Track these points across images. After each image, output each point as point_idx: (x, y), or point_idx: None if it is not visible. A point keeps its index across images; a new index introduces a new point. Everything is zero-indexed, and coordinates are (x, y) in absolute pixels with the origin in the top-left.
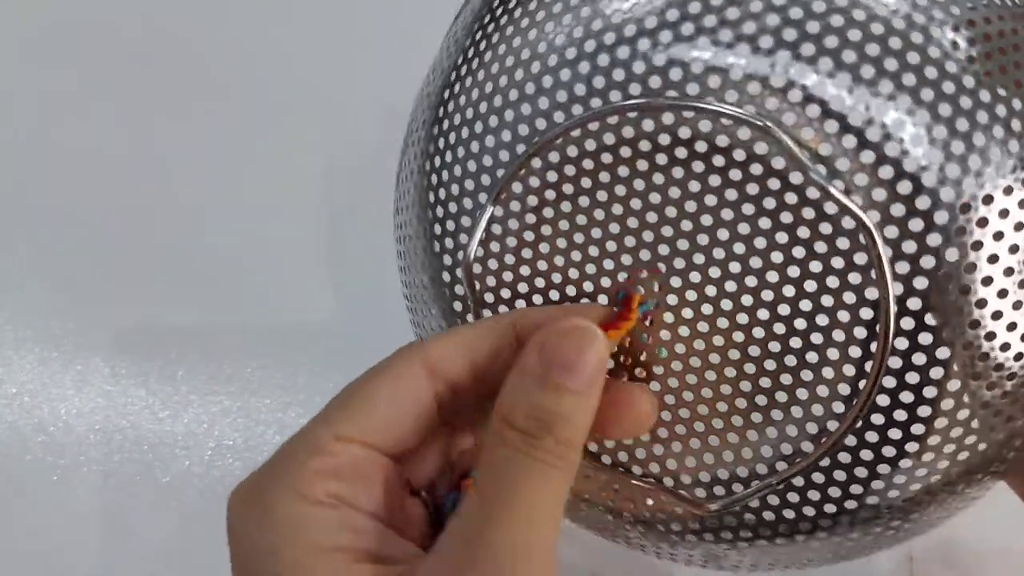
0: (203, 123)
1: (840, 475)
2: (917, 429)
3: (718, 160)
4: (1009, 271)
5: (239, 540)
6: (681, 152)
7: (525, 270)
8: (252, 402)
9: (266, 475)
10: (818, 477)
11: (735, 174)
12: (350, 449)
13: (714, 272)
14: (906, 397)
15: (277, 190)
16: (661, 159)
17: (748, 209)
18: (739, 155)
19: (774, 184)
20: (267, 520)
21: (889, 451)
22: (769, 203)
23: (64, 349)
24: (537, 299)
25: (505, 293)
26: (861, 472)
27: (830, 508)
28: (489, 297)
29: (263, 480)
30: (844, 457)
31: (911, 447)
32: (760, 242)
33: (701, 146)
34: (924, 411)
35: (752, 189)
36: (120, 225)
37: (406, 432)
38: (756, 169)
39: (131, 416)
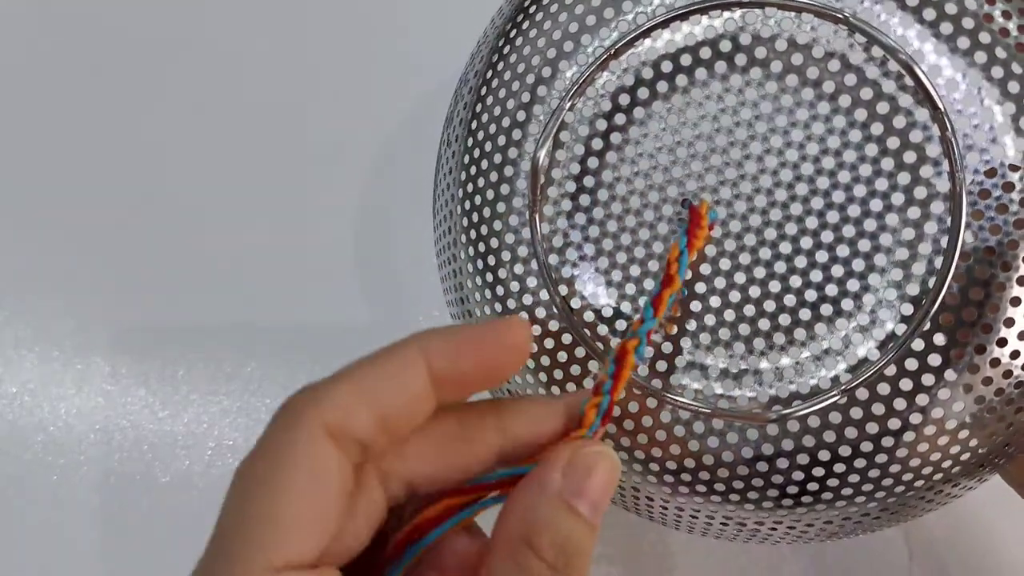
0: (203, 123)
1: (907, 384)
2: (985, 333)
3: (796, 58)
4: None
5: None
6: (760, 51)
7: (589, 180)
8: (252, 402)
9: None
10: (883, 388)
11: (812, 72)
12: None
13: (785, 175)
14: (975, 294)
15: (277, 190)
16: (740, 59)
17: (824, 108)
18: (818, 52)
19: (851, 80)
20: None
21: (958, 354)
22: (845, 101)
23: (64, 349)
24: (598, 212)
25: (566, 204)
26: (928, 379)
27: (894, 423)
28: (548, 210)
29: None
30: (911, 364)
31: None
32: (834, 141)
33: (781, 44)
34: (993, 313)
35: (829, 87)
36: (120, 225)
37: (335, 528)
38: (834, 66)
39: (131, 416)
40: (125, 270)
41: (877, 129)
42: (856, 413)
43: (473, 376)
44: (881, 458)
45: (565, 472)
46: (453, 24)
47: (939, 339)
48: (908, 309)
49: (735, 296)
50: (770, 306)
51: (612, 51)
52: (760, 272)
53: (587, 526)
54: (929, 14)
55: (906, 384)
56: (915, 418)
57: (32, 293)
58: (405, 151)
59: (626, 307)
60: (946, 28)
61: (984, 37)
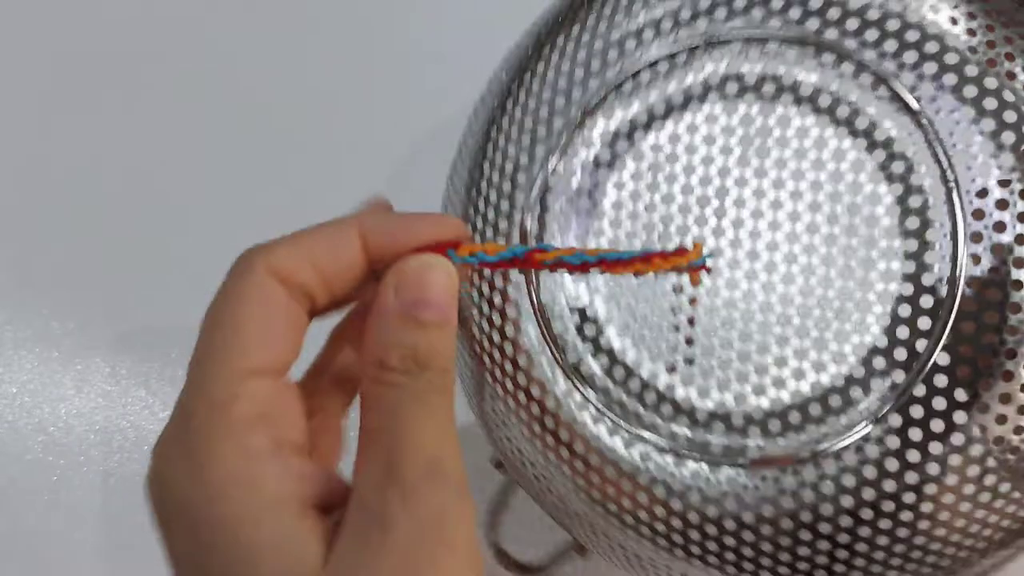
0: (204, 122)
1: (940, 403)
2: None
3: (787, 98)
4: None
5: (173, 499)
6: (769, 88)
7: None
8: None
9: (195, 429)
10: (916, 411)
11: (805, 111)
12: (260, 386)
13: (788, 206)
14: (994, 295)
15: (277, 190)
16: (736, 93)
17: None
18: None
19: (843, 112)
20: (207, 476)
21: (987, 363)
22: (841, 143)
23: (64, 349)
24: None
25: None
26: (961, 395)
27: (936, 448)
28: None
29: (193, 435)
30: (940, 380)
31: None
32: (832, 166)
33: (769, 86)
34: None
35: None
36: (121, 225)
37: (291, 344)
38: (825, 101)
39: (131, 416)
40: (125, 270)
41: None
42: (892, 442)
43: (403, 253)
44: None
45: (397, 291)
46: (460, 52)
47: (965, 350)
48: (926, 323)
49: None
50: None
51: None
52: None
53: (436, 330)
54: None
55: (939, 403)
56: (958, 439)
57: (32, 293)
58: (405, 154)
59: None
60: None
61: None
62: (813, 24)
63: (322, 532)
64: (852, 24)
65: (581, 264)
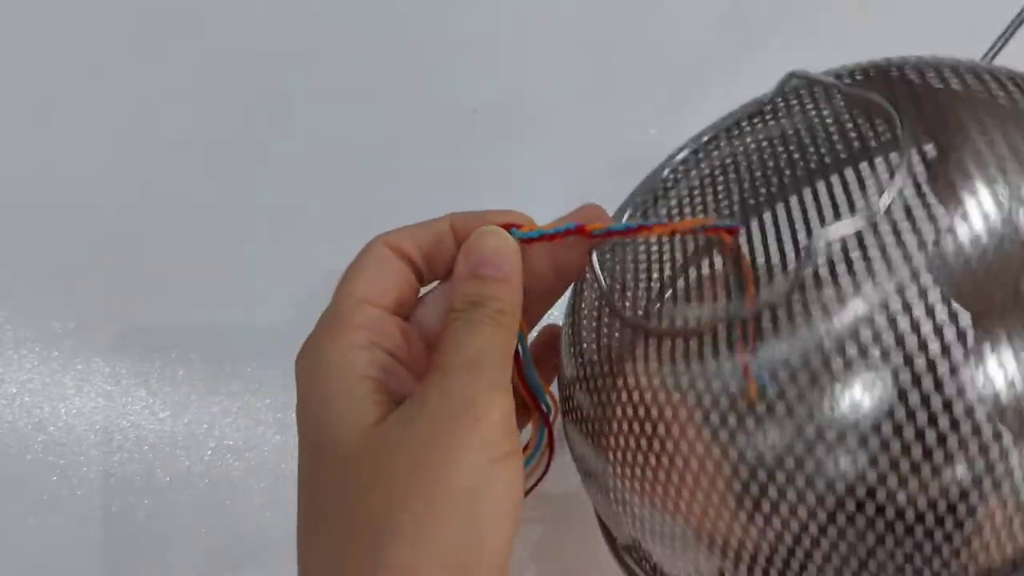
0: (204, 124)
1: None
2: None
3: None
4: None
5: (300, 384)
6: None
7: None
8: (252, 402)
9: (319, 332)
10: None
11: None
12: (369, 310)
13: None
14: None
15: (277, 190)
16: None
17: None
18: None
19: None
20: (319, 361)
21: None
22: None
23: (64, 349)
24: None
25: None
26: None
27: None
28: None
29: (317, 337)
30: None
31: None
32: None
33: None
34: None
35: None
36: (121, 225)
37: (399, 292)
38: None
39: (131, 416)
40: (125, 270)
41: None
42: None
43: None
44: None
45: (463, 256)
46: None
47: None
48: None
49: None
50: None
51: None
52: None
53: (492, 282)
54: None
55: None
56: None
57: (32, 293)
58: (405, 153)
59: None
60: None
61: None
62: None
63: (384, 406)
64: None
65: (624, 230)
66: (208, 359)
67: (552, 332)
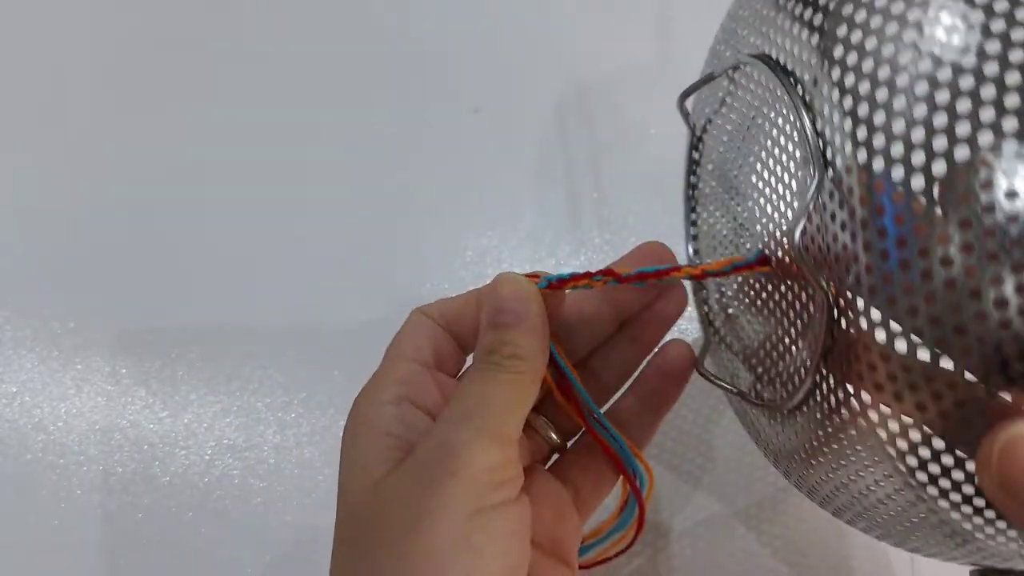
0: (203, 124)
1: None
2: None
3: None
4: None
5: (343, 436)
6: None
7: None
8: (252, 402)
9: (364, 389)
10: None
11: None
12: (404, 364)
13: None
14: None
15: (277, 190)
16: None
17: None
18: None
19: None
20: (354, 415)
21: None
22: None
23: (64, 349)
24: None
25: None
26: None
27: None
28: None
29: (361, 392)
30: None
31: None
32: None
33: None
34: None
35: None
36: (121, 225)
37: (435, 346)
38: None
39: (131, 416)
40: (125, 270)
41: None
42: None
43: None
44: None
45: (483, 310)
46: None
47: None
48: None
49: None
50: None
51: None
52: None
53: (506, 328)
54: None
55: None
56: None
57: (32, 293)
58: (405, 153)
59: None
60: None
61: None
62: None
63: (397, 462)
64: None
65: (655, 272)
66: (208, 359)
67: (681, 351)
